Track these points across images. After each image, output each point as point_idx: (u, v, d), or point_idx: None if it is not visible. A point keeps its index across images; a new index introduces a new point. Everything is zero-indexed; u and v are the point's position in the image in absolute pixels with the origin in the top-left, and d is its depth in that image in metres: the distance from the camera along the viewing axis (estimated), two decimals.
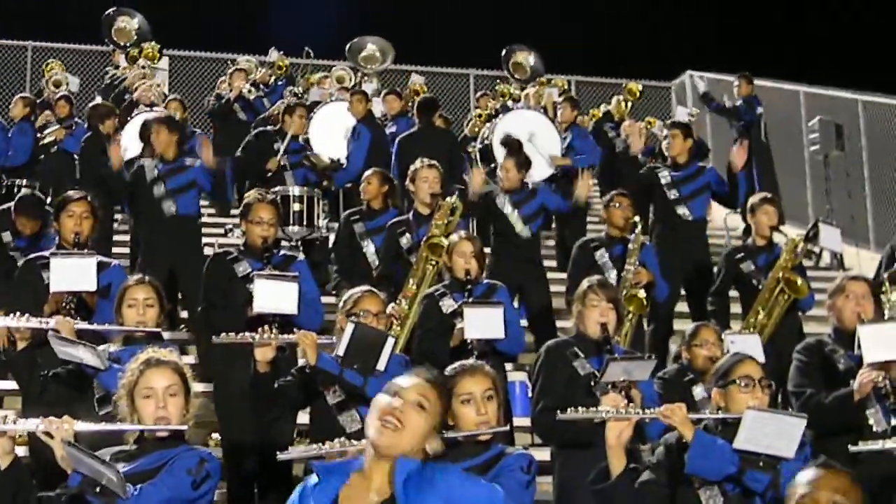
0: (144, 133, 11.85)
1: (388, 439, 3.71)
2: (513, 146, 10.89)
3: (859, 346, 6.38)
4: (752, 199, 10.21)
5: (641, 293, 9.36)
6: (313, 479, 3.83)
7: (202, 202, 11.24)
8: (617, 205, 9.95)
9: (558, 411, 5.50)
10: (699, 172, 11.05)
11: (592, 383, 6.35)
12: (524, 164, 10.69)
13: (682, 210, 10.82)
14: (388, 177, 10.72)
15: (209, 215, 12.34)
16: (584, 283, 6.80)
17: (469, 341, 7.39)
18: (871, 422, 6.36)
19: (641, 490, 5.24)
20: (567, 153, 13.92)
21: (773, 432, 5.08)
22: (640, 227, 9.69)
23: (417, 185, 9.77)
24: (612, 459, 5.02)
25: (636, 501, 5.14)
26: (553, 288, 10.76)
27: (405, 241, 9.59)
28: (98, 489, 4.48)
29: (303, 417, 7.45)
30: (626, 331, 9.21)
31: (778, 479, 5.09)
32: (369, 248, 10.23)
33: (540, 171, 12.94)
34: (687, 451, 5.19)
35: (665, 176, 10.94)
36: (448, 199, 9.41)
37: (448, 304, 8.01)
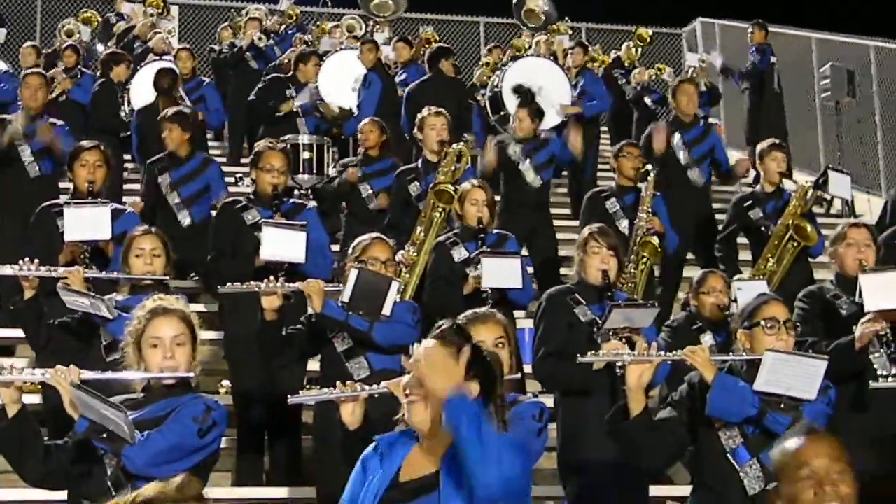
0: (158, 82, 11.86)
1: (414, 416, 3.74)
2: (526, 95, 10.85)
3: (860, 294, 6.39)
4: (761, 146, 10.14)
5: (655, 240, 9.35)
6: (371, 449, 3.91)
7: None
8: (626, 155, 9.91)
9: (578, 355, 5.51)
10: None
11: (595, 330, 6.39)
12: (538, 113, 10.73)
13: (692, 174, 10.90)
14: (385, 126, 10.86)
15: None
16: (585, 231, 6.82)
17: (484, 290, 7.45)
18: (875, 366, 6.36)
19: (660, 427, 5.29)
20: (579, 99, 13.87)
21: (793, 374, 5.09)
22: (652, 175, 9.65)
23: (425, 132, 9.77)
24: (631, 401, 5.06)
25: (654, 440, 5.20)
26: (566, 236, 10.76)
27: (414, 188, 9.63)
28: (104, 435, 4.50)
29: (313, 364, 7.50)
30: (639, 279, 9.24)
31: (800, 421, 5.07)
32: (368, 191, 10.40)
33: (549, 120, 12.90)
34: (708, 393, 5.21)
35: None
36: (455, 145, 9.43)
37: (460, 253, 8.05)
